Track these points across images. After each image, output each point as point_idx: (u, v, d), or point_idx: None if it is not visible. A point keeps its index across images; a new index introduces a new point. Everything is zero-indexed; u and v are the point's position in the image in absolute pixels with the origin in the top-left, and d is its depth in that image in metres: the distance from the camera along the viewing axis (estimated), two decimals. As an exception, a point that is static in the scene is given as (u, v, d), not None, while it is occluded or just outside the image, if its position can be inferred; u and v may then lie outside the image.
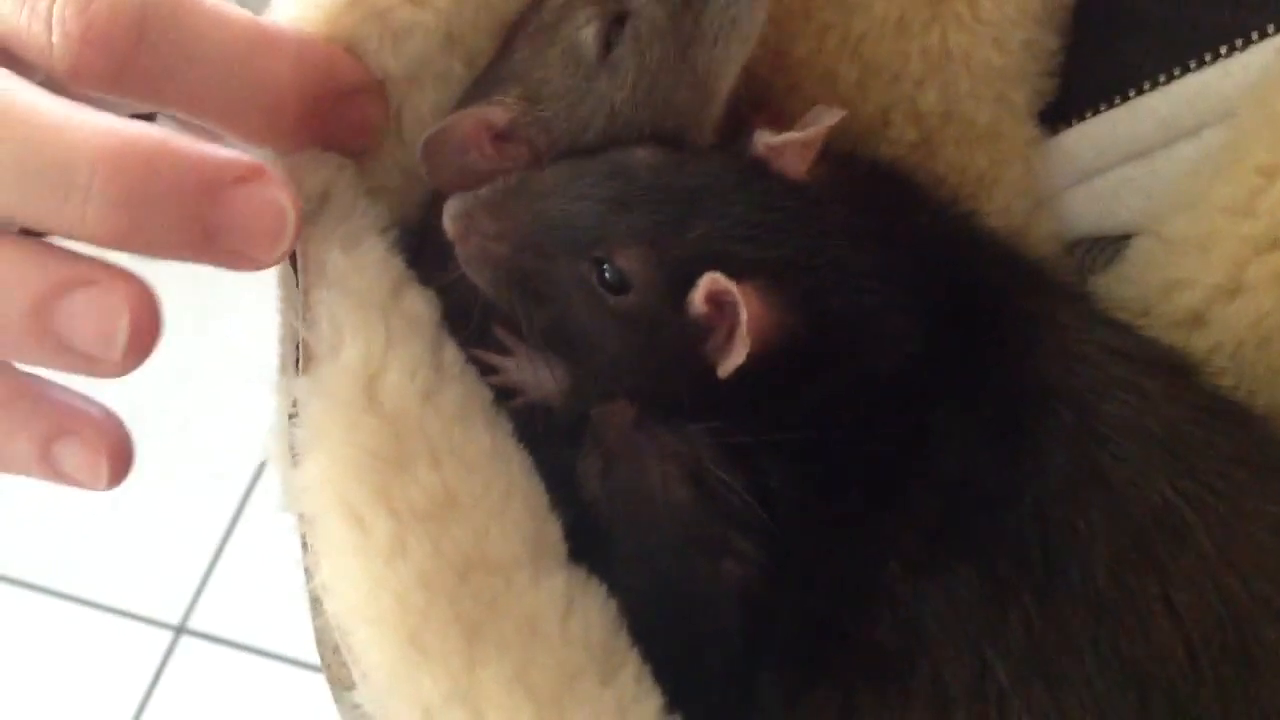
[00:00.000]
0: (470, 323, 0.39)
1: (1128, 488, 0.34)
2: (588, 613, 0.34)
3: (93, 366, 0.32)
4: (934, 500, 0.36)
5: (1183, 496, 0.34)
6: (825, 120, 0.40)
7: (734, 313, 0.35)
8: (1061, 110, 0.46)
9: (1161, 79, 0.43)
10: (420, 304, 0.37)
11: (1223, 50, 0.42)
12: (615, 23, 0.40)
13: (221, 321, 1.29)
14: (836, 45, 0.44)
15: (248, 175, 0.32)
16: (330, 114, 0.37)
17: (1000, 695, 0.32)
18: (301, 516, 0.35)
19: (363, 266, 0.36)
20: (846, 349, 0.38)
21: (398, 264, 0.37)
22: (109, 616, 1.36)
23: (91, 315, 0.31)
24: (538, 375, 0.41)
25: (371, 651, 0.32)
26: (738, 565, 0.37)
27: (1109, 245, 0.45)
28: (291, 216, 0.33)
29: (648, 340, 0.37)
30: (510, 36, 0.42)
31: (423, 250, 0.41)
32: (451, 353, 0.37)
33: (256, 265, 0.33)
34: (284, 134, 0.36)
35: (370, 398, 0.34)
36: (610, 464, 0.38)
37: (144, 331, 0.32)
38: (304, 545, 0.35)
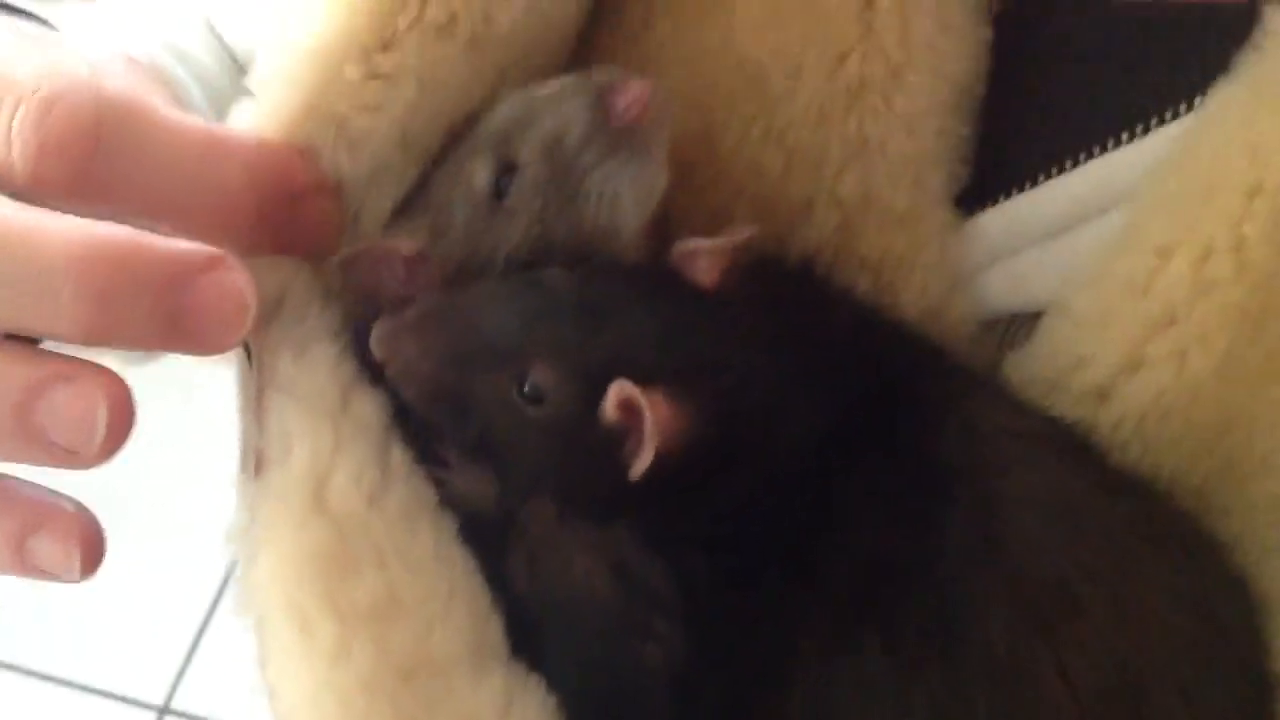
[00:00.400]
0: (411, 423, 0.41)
1: (1024, 559, 0.36)
2: (526, 710, 0.35)
3: (72, 459, 0.33)
4: (843, 580, 0.37)
5: (1077, 566, 0.35)
6: (739, 234, 0.42)
7: (642, 418, 0.37)
8: (976, 195, 0.47)
9: (1068, 164, 0.45)
10: (369, 407, 0.38)
11: (1124, 136, 0.44)
12: (505, 171, 0.43)
13: (206, 393, 1.29)
14: (760, 136, 0.46)
15: (210, 265, 0.33)
16: (285, 215, 0.39)
17: None
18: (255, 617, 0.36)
19: (313, 371, 0.38)
20: (755, 445, 0.39)
21: (348, 368, 0.39)
22: (93, 698, 1.36)
23: (73, 409, 0.33)
24: (473, 486, 0.42)
25: None
26: (660, 649, 0.38)
27: (1025, 322, 0.47)
28: (252, 300, 0.34)
29: (567, 447, 0.39)
30: (439, 159, 0.45)
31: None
32: (398, 455, 0.38)
33: (219, 349, 0.34)
34: (240, 236, 0.37)
35: (318, 501, 0.36)
36: (535, 559, 0.39)
37: (121, 422, 0.33)
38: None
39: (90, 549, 0.35)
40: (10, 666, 1.38)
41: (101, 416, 0.32)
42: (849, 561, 0.38)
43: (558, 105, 0.43)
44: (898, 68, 0.44)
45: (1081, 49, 0.46)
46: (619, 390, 0.37)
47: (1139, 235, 0.42)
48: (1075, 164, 0.45)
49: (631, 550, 0.38)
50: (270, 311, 0.38)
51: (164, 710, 1.34)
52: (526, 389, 0.39)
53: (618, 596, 0.38)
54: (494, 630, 0.37)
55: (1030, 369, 0.44)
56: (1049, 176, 0.45)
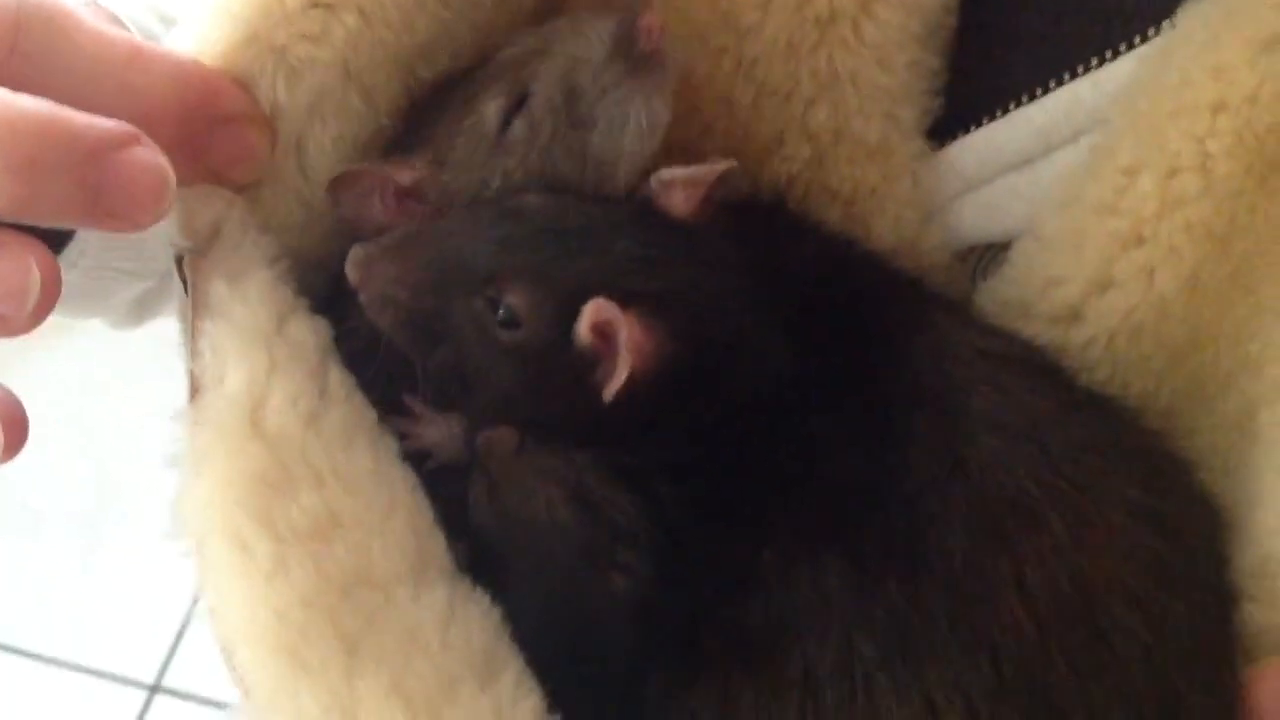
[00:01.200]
0: (377, 364, 0.41)
1: (986, 477, 0.36)
2: (468, 623, 0.35)
3: (4, 326, 0.33)
4: (808, 499, 0.37)
5: (1037, 483, 0.35)
6: (716, 166, 0.42)
7: (616, 339, 0.37)
8: (947, 126, 0.47)
9: (1038, 92, 0.44)
10: (305, 331, 0.38)
11: (1093, 62, 0.43)
12: (518, 101, 0.43)
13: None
14: (731, 69, 0.46)
15: (129, 140, 0.33)
16: (208, 137, 0.38)
17: (866, 674, 0.34)
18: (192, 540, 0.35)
19: (246, 297, 0.37)
20: (725, 371, 0.39)
21: (285, 293, 0.39)
22: (83, 676, 1.36)
23: (6, 275, 0.32)
24: (442, 436, 0.42)
25: (252, 669, 0.33)
26: (623, 577, 0.38)
27: (998, 253, 0.46)
28: (170, 178, 0.33)
29: (539, 372, 0.39)
30: (445, 94, 0.45)
31: (337, 298, 0.43)
32: (337, 376, 0.38)
33: (137, 226, 0.34)
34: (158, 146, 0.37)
35: (254, 424, 0.35)
36: (496, 490, 0.39)
37: (51, 287, 0.33)
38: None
39: (14, 428, 0.35)
40: (1, 646, 1.39)
41: (34, 282, 0.32)
42: (815, 482, 0.37)
43: (579, 31, 0.44)
44: (866, 1, 0.44)
45: None
46: (596, 309, 0.37)
47: (1108, 157, 0.41)
48: (1045, 91, 0.44)
49: (593, 478, 0.38)
50: (206, 241, 0.38)
51: (155, 689, 1.34)
52: (501, 312, 0.39)
53: (580, 525, 0.38)
54: (436, 545, 0.36)
55: (1003, 293, 0.44)
56: (1019, 104, 0.45)
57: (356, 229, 0.43)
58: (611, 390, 0.37)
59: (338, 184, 0.42)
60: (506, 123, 0.43)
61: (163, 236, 0.48)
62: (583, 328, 0.38)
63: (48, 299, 0.33)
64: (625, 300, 0.37)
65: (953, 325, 0.41)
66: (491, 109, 0.43)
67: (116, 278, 0.49)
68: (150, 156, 0.33)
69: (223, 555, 0.34)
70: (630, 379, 0.37)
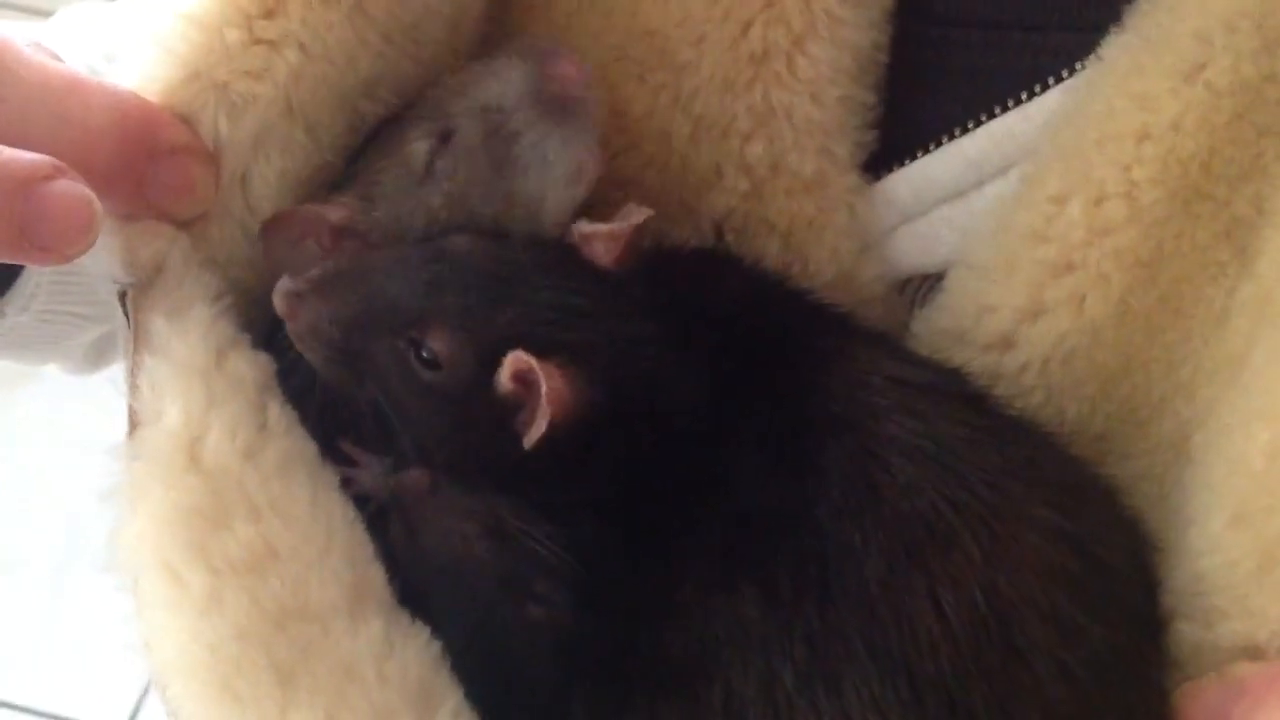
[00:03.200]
0: (314, 402, 0.41)
1: (900, 500, 0.36)
2: (406, 656, 0.35)
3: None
4: (727, 529, 0.38)
5: (951, 504, 0.36)
6: (634, 217, 0.42)
7: (536, 388, 0.37)
8: (883, 159, 0.48)
9: (970, 124, 0.45)
10: (244, 366, 0.38)
11: (1023, 96, 0.44)
12: (442, 138, 0.43)
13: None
14: (668, 104, 0.47)
15: (54, 173, 0.33)
16: (148, 169, 0.39)
17: (788, 700, 0.34)
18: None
19: (185, 333, 0.37)
20: (643, 415, 0.40)
21: (225, 329, 0.39)
22: (54, 725, 1.34)
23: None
24: (381, 481, 0.42)
25: (185, 702, 0.33)
26: (542, 608, 0.38)
27: (935, 283, 0.47)
28: (97, 208, 0.33)
29: (460, 413, 0.39)
30: (375, 131, 0.45)
31: (280, 333, 0.43)
32: (276, 411, 0.38)
33: (65, 258, 0.34)
34: (97, 177, 0.36)
35: (191, 458, 0.35)
36: (413, 530, 0.39)
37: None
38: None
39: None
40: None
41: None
42: (732, 513, 0.38)
43: (495, 71, 0.44)
44: (799, 36, 0.45)
45: (984, 14, 0.46)
46: (515, 361, 0.38)
47: (1037, 185, 0.42)
48: (976, 125, 0.45)
49: (509, 512, 0.39)
50: (148, 276, 0.38)
51: (126, 733, 1.32)
52: (424, 353, 0.39)
53: (496, 558, 0.39)
54: (375, 578, 0.37)
55: (938, 322, 0.45)
56: (951, 138, 0.46)
57: (289, 271, 0.43)
58: (532, 439, 0.37)
59: (269, 227, 0.42)
60: (431, 161, 0.43)
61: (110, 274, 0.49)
62: (504, 377, 0.38)
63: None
64: (545, 351, 0.38)
65: (873, 356, 0.41)
66: (419, 148, 0.43)
67: (70, 321, 0.50)
68: (75, 188, 0.33)
69: (157, 589, 0.34)
70: (550, 426, 0.37)
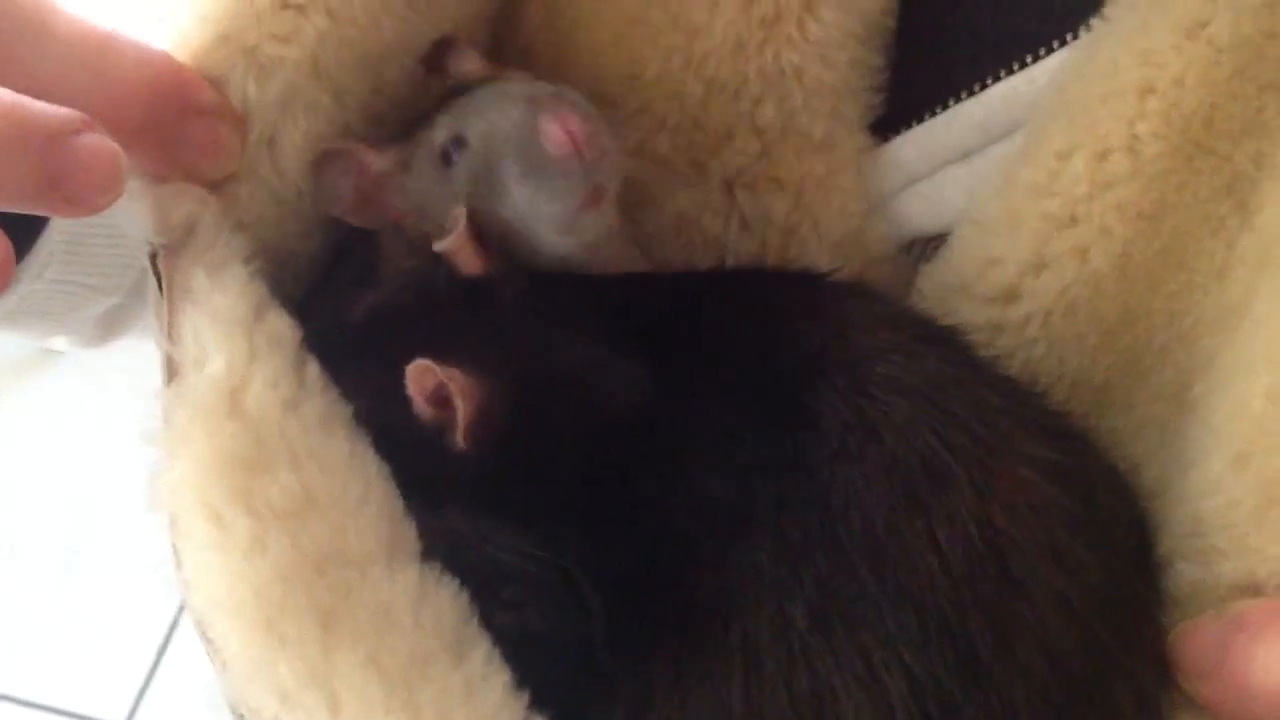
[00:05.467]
0: None
1: (896, 439, 0.37)
2: (439, 603, 0.36)
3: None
4: (729, 484, 0.38)
5: (944, 442, 0.36)
6: (458, 225, 0.42)
7: (444, 389, 0.38)
8: (890, 121, 0.49)
9: (976, 87, 0.46)
10: (282, 324, 0.39)
11: (1028, 59, 0.45)
12: (457, 144, 0.44)
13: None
14: (681, 66, 0.48)
15: (84, 125, 0.33)
16: (177, 126, 0.39)
17: (803, 642, 0.35)
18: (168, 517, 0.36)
19: (226, 288, 0.38)
20: (579, 404, 0.40)
21: (260, 288, 0.40)
22: (54, 717, 1.34)
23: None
24: None
25: (231, 641, 0.34)
26: (511, 615, 0.38)
27: (941, 244, 0.48)
28: (123, 161, 0.34)
29: (402, 448, 0.39)
30: (441, 99, 0.46)
31: (337, 267, 0.45)
32: (314, 370, 0.39)
33: (92, 210, 0.34)
34: (127, 133, 0.37)
35: (233, 404, 0.36)
36: None
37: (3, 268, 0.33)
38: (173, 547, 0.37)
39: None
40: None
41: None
42: (732, 468, 0.38)
43: (501, 108, 0.43)
44: (810, 0, 0.46)
45: None
46: (416, 369, 0.38)
47: (1041, 141, 0.43)
48: (983, 87, 0.46)
49: (466, 525, 0.39)
50: (180, 238, 0.39)
51: (126, 728, 1.32)
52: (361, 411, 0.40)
53: (463, 573, 0.38)
54: (408, 531, 0.37)
55: (941, 276, 0.46)
56: (959, 100, 0.47)
57: (325, 207, 0.45)
58: (462, 436, 0.38)
59: (320, 161, 0.44)
60: (446, 157, 0.44)
61: (125, 251, 0.49)
62: (416, 397, 0.39)
63: (2, 277, 0.33)
64: (441, 360, 0.38)
65: (857, 305, 0.42)
66: (439, 137, 0.44)
67: (81, 293, 0.50)
68: (103, 142, 0.33)
69: (200, 531, 0.35)
70: (477, 424, 0.38)
